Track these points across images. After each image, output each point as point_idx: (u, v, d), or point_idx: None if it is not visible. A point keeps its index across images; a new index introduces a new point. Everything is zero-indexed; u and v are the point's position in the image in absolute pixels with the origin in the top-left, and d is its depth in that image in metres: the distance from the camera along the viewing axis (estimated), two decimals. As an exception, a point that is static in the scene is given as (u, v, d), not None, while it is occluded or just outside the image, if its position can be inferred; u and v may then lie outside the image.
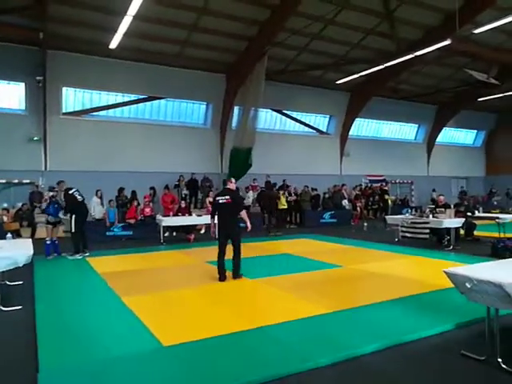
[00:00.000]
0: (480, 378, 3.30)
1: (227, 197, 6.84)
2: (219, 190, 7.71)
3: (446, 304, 5.03)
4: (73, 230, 9.14)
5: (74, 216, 9.11)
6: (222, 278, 6.72)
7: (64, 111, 15.24)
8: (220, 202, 6.89)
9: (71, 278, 7.33)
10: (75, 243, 9.21)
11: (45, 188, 14.26)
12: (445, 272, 3.69)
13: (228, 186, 7.08)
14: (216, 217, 6.99)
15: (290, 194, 16.27)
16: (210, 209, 13.62)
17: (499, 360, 3.36)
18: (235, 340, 4.07)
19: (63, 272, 7.85)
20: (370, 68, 15.52)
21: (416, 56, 14.26)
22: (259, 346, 3.93)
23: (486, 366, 3.42)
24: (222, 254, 6.89)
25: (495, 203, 21.54)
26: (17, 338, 4.34)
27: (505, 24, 12.38)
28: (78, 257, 9.10)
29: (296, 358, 3.63)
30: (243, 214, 6.93)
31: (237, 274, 6.82)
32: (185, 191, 15.81)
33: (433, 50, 13.80)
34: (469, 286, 3.41)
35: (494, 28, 12.63)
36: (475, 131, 26.96)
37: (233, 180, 7.20)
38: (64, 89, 15.18)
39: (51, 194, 9.56)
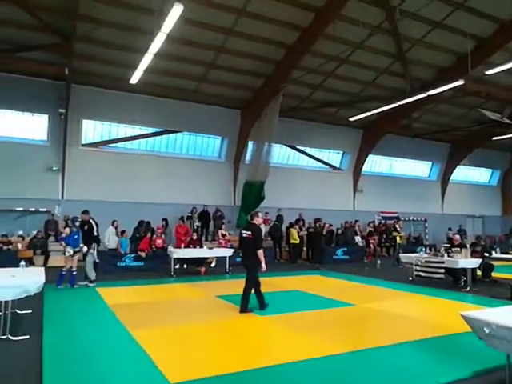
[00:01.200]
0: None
1: (249, 232, 7.00)
2: (246, 224, 7.86)
3: (463, 349, 4.83)
4: (97, 260, 9.43)
5: (96, 245, 9.36)
6: (242, 308, 6.81)
7: (83, 142, 15.70)
8: (243, 235, 7.11)
9: (80, 309, 7.28)
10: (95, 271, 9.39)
11: (60, 217, 14.52)
12: (462, 315, 3.57)
13: (253, 221, 7.17)
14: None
15: (301, 229, 16.18)
16: (222, 241, 13.88)
17: (521, 412, 3.18)
18: (244, 379, 3.95)
19: (73, 302, 7.81)
20: (383, 106, 15.75)
21: (429, 95, 14.44)
22: (268, 387, 3.81)
23: (507, 418, 3.24)
24: (245, 287, 7.01)
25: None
26: (22, 369, 4.29)
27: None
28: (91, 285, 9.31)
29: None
30: (260, 253, 6.87)
31: (262, 307, 6.90)
32: (197, 223, 15.85)
33: (446, 90, 13.99)
34: (487, 331, 3.29)
35: (506, 69, 12.80)
36: (490, 170, 26.74)
37: (260, 215, 7.39)
38: (84, 121, 15.71)
39: (77, 223, 9.64)
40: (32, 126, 15.10)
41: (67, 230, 9.39)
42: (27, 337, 5.31)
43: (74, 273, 9.08)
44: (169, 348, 4.99)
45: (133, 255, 12.75)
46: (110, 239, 13.17)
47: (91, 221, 9.48)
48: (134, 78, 12.79)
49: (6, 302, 5.30)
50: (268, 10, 12.48)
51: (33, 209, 14.37)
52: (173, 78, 15.22)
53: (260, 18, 12.68)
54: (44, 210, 14.55)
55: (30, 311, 6.67)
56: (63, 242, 9.21)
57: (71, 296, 8.35)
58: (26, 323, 5.97)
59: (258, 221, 7.19)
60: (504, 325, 3.16)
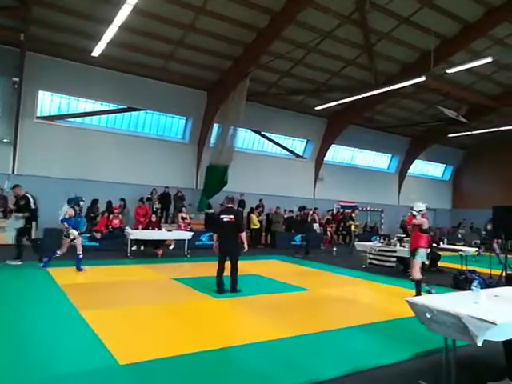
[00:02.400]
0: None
1: (231, 216, 7.03)
2: (222, 208, 7.95)
3: (406, 333, 5.10)
4: (33, 237, 8.86)
5: (33, 222, 8.86)
6: (220, 291, 6.95)
7: (39, 115, 14.89)
8: (224, 220, 7.04)
9: (29, 289, 6.99)
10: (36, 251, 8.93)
11: (10, 192, 13.76)
12: (406, 301, 3.75)
13: (231, 205, 7.31)
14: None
15: (260, 214, 16.34)
16: (182, 225, 13.72)
17: (454, 391, 3.41)
18: (195, 360, 3.97)
19: (21, 282, 7.50)
20: (349, 97, 16.01)
21: (392, 89, 14.83)
22: (219, 368, 3.86)
23: (441, 396, 3.46)
24: (220, 270, 7.09)
25: (460, 236, 22.24)
26: (-38, 348, 4.09)
27: (475, 66, 13.13)
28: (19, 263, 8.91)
29: (257, 381, 3.57)
30: (243, 235, 7.17)
31: (234, 289, 7.03)
32: (157, 205, 15.57)
33: (408, 85, 14.41)
34: (428, 316, 3.47)
35: (466, 69, 13.35)
36: (444, 165, 28.05)
37: (236, 200, 7.45)
38: (41, 92, 14.86)
39: (82, 202, 9.14)
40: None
41: (71, 211, 8.80)
42: (-31, 316, 5.06)
43: (81, 256, 8.70)
44: (119, 329, 4.91)
45: (88, 235, 12.37)
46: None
47: (27, 195, 9.05)
48: (97, 51, 12.18)
49: None
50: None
51: (-22, 183, 13.55)
52: (138, 54, 14.65)
53: (232, -2, 12.41)
54: (-9, 184, 13.75)
55: (-26, 289, 6.35)
56: (66, 224, 8.71)
57: (19, 276, 8.01)
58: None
59: (234, 205, 7.42)
60: (444, 310, 3.35)
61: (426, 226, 6.94)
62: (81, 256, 8.70)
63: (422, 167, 26.97)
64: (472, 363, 4.18)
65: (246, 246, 7.25)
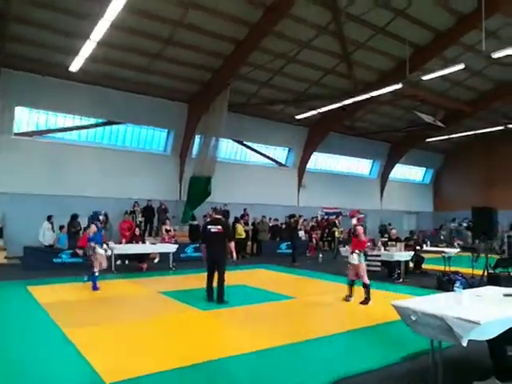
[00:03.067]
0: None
1: (219, 226, 7.13)
2: (209, 219, 8.11)
3: (393, 336, 5.14)
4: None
5: None
6: (210, 299, 7.12)
7: (16, 131, 14.61)
8: (212, 230, 7.12)
9: (7, 308, 6.80)
10: None
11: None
12: (392, 305, 3.80)
13: (218, 216, 7.48)
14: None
15: (246, 224, 16.33)
16: (166, 238, 13.58)
17: (442, 392, 3.45)
18: (183, 374, 3.92)
19: (1, 301, 7.29)
20: (328, 105, 16.24)
21: (371, 97, 15.13)
22: (208, 381, 3.81)
23: (429, 398, 3.49)
24: (209, 279, 7.19)
25: (442, 237, 22.61)
26: None
27: (449, 74, 13.55)
28: None
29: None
30: (232, 245, 7.31)
31: (221, 300, 7.01)
32: (140, 218, 15.38)
33: (386, 93, 14.73)
34: (414, 319, 3.52)
35: (440, 76, 13.74)
36: (424, 169, 28.62)
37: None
38: (18, 108, 14.61)
39: (101, 217, 8.96)
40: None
41: (93, 227, 8.58)
42: None
43: (97, 273, 8.43)
44: (105, 347, 4.81)
45: (70, 251, 12.12)
46: (45, 235, 12.49)
47: None
48: (75, 66, 12.09)
49: None
50: (218, 4, 12.32)
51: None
52: (117, 68, 14.57)
53: (210, 11, 12.46)
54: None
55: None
56: (92, 243, 8.45)
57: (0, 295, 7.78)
58: None
59: (220, 216, 7.64)
60: (428, 312, 3.40)
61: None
62: (97, 274, 8.42)
63: (404, 171, 27.45)
64: (458, 363, 4.23)
65: (234, 255, 7.37)
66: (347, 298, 7.39)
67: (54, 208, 13.42)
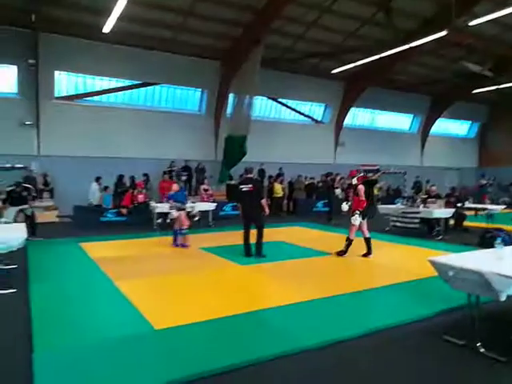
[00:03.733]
0: (459, 362, 3.43)
1: (250, 185, 7.50)
2: (242, 179, 8.48)
3: (432, 291, 5.18)
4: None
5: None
6: (248, 255, 7.52)
7: (57, 95, 15.10)
8: (244, 189, 7.53)
9: (64, 262, 7.41)
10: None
11: (38, 173, 14.24)
12: (429, 261, 3.81)
13: (250, 176, 7.81)
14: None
15: (281, 183, 16.41)
16: (204, 197, 13.97)
17: (478, 345, 3.50)
18: (226, 324, 4.19)
19: (56, 256, 7.92)
20: (366, 58, 15.48)
21: (412, 47, 14.24)
22: (248, 330, 4.06)
23: (465, 349, 3.56)
24: (246, 236, 7.58)
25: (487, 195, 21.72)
26: (12, 320, 4.43)
27: (500, 16, 12.41)
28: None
29: (284, 341, 3.75)
30: (263, 201, 7.64)
31: (259, 254, 7.41)
32: (184, 177, 15.71)
33: (429, 41, 13.80)
34: (451, 274, 3.53)
35: (490, 20, 12.64)
36: (469, 122, 27.10)
37: (254, 170, 8.09)
38: (57, 73, 15.01)
39: (183, 178, 9.37)
40: (1, 79, 14.36)
41: (175, 186, 8.84)
42: (14, 290, 5.42)
43: (184, 231, 8.67)
44: (153, 297, 5.18)
45: (115, 210, 12.77)
46: (94, 195, 13.18)
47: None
48: (107, 27, 12.12)
49: (-10, 257, 5.34)
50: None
51: (8, 165, 14.02)
52: (149, 27, 14.48)
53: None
54: (21, 166, 14.22)
55: (15, 266, 6.74)
56: (172, 200, 8.66)
57: (55, 251, 8.43)
58: (12, 277, 6.05)
59: (252, 175, 7.93)
60: (466, 268, 3.40)
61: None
62: (184, 231, 8.66)
63: (447, 126, 26.15)
64: (496, 319, 4.24)
65: (266, 210, 7.70)
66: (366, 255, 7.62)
67: (96, 169, 14.04)
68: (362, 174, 7.76)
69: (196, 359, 3.38)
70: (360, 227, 7.52)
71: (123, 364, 3.31)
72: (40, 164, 14.43)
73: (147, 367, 3.24)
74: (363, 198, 7.41)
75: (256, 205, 7.47)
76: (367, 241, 7.57)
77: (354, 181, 7.61)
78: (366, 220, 7.58)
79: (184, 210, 8.70)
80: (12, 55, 13.83)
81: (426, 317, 4.36)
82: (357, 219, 7.39)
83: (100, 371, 3.18)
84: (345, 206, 7.74)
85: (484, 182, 20.93)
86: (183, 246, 8.76)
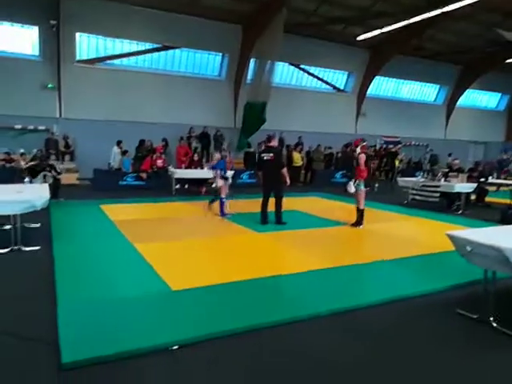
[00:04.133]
0: (471, 335, 3.45)
1: (271, 154, 7.51)
2: (263, 147, 8.41)
3: (447, 265, 5.15)
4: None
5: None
6: (264, 222, 7.56)
7: (78, 58, 15.07)
8: (265, 158, 7.57)
9: (86, 223, 7.63)
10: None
11: (59, 135, 14.47)
12: (447, 234, 3.76)
13: (271, 144, 7.74)
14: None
15: (300, 152, 16.25)
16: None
17: (491, 319, 3.50)
18: (241, 287, 4.28)
19: (78, 217, 8.17)
20: (394, 23, 14.79)
21: (444, 12, 13.50)
22: (263, 294, 4.15)
23: (478, 324, 3.57)
24: (264, 204, 7.65)
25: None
26: (37, 274, 4.64)
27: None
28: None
29: (297, 306, 3.83)
30: (284, 171, 7.66)
31: (279, 222, 7.52)
32: (195, 144, 15.77)
33: (462, 6, 13.03)
34: (469, 249, 3.49)
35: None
36: (500, 94, 25.95)
37: (276, 138, 7.89)
38: (77, 34, 14.91)
39: (224, 146, 9.24)
40: (22, 39, 14.36)
41: (217, 155, 8.75)
42: (38, 247, 5.65)
43: (224, 200, 8.55)
44: (170, 260, 5.32)
45: (134, 174, 12.96)
46: (115, 159, 13.35)
47: None
48: (128, -14, 11.87)
49: (15, 215, 5.53)
50: None
51: (32, 127, 14.28)
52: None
53: None
54: (43, 128, 14.46)
55: (39, 225, 6.99)
56: (214, 170, 8.56)
57: (76, 212, 8.68)
58: (35, 236, 6.30)
59: (274, 143, 7.81)
60: (484, 243, 3.35)
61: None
62: (224, 200, 8.53)
63: (475, 97, 25.13)
64: (511, 295, 4.21)
65: (288, 180, 7.71)
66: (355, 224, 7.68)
67: (116, 133, 14.14)
68: (364, 143, 7.67)
69: (210, 320, 3.48)
70: (359, 197, 7.52)
71: (141, 321, 3.44)
72: (61, 127, 14.63)
73: (163, 325, 3.37)
74: (363, 168, 7.39)
75: (276, 174, 7.53)
76: (360, 211, 7.62)
77: (358, 149, 7.57)
78: (365, 190, 7.58)
79: (227, 179, 8.60)
80: (33, 16, 13.78)
81: (440, 290, 4.36)
82: (351, 186, 7.40)
83: (118, 325, 3.33)
84: (351, 187, 7.46)
85: (505, 157, 20.20)
86: (225, 215, 8.50)
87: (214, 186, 8.57)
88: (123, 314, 3.59)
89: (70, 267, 4.82)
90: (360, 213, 7.64)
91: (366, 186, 7.55)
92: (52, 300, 3.78)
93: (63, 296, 3.87)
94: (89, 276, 4.55)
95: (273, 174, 7.54)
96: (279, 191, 7.60)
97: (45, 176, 9.48)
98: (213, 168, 8.79)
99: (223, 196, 8.51)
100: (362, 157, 7.41)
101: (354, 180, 7.43)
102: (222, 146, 14.97)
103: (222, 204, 8.53)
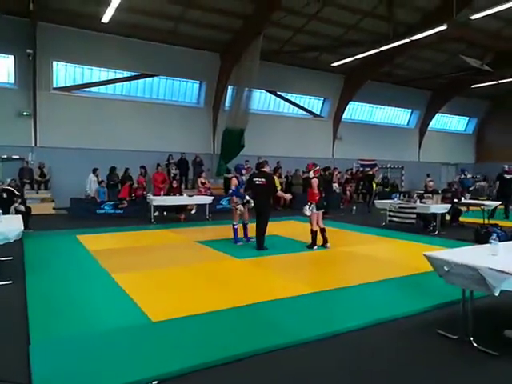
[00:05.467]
0: (452, 355, 3.47)
1: (263, 179, 7.58)
2: (254, 172, 8.54)
3: (426, 286, 5.22)
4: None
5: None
6: (259, 248, 7.64)
7: (55, 86, 15.00)
8: (256, 182, 7.62)
9: (61, 254, 7.39)
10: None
11: (34, 164, 14.19)
12: (425, 255, 3.83)
13: (264, 169, 7.84)
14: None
15: (280, 177, 16.40)
16: (202, 190, 13.98)
17: (471, 339, 3.54)
18: (223, 316, 4.21)
19: (52, 248, 7.91)
20: (366, 51, 15.43)
21: (412, 40, 14.19)
22: (248, 322, 4.09)
23: (458, 344, 3.60)
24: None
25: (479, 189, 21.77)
26: (8, 311, 4.44)
27: (502, 10, 12.35)
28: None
29: (284, 332, 3.78)
30: (280, 194, 8.53)
31: (260, 247, 7.55)
32: (174, 171, 15.73)
33: (429, 35, 13.74)
34: (446, 269, 3.56)
35: (491, 14, 12.60)
36: (467, 118, 27.12)
37: (268, 164, 8.07)
38: (54, 63, 14.89)
39: (244, 171, 8.89)
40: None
41: (235, 180, 8.41)
42: (10, 282, 5.42)
43: (236, 226, 8.31)
44: (150, 290, 5.19)
45: (112, 203, 12.76)
46: (91, 187, 13.15)
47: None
48: (106, 17, 12.05)
49: (-14, 248, 5.34)
50: None
51: (5, 156, 13.97)
52: (148, 18, 14.35)
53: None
54: (17, 157, 14.17)
55: (11, 258, 6.74)
56: (234, 196, 8.29)
57: (51, 243, 8.43)
58: (7, 269, 6.06)
59: (267, 169, 7.98)
60: (461, 263, 3.42)
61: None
62: (236, 226, 8.27)
63: (445, 121, 26.17)
64: (489, 313, 4.29)
65: (286, 196, 8.68)
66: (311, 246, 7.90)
67: (93, 161, 13.99)
68: (317, 168, 7.99)
69: (193, 352, 3.39)
70: (312, 219, 7.73)
71: (121, 355, 3.32)
72: (37, 155, 14.37)
73: (145, 359, 3.26)
74: (316, 191, 7.66)
75: (266, 198, 7.70)
76: (314, 233, 7.85)
77: (311, 174, 7.87)
78: (320, 212, 7.84)
79: (247, 203, 8.22)
80: (10, 44, 13.71)
81: (419, 311, 4.40)
82: (307, 210, 7.63)
83: (97, 362, 3.19)
84: (307, 210, 7.66)
85: (468, 176, 20.82)
86: (250, 239, 8.36)
87: (238, 212, 8.24)
88: (100, 349, 3.45)
89: (43, 302, 4.64)
90: (313, 234, 7.87)
91: (318, 209, 7.78)
92: (24, 338, 3.61)
93: (36, 333, 3.70)
94: (64, 310, 4.38)
95: (263, 198, 7.66)
96: (266, 216, 7.67)
97: (15, 208, 9.22)
98: (231, 194, 8.64)
99: (235, 222, 8.27)
100: (315, 181, 7.72)
101: (308, 203, 7.68)
102: (202, 172, 15.02)
103: (235, 231, 8.28)
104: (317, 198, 7.69)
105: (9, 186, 10.56)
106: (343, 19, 15.66)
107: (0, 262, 6.40)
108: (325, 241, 8.00)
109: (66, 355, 3.32)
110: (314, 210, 7.68)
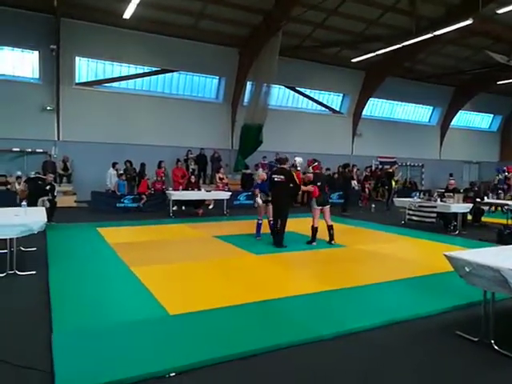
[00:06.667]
0: (472, 358, 3.41)
1: (282, 176, 7.58)
2: (275, 169, 8.47)
3: (445, 286, 5.12)
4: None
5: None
6: (278, 246, 7.60)
7: (77, 81, 15.28)
8: (275, 179, 7.64)
9: (82, 246, 7.56)
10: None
11: (57, 158, 14.51)
12: (445, 255, 3.76)
13: (284, 166, 7.88)
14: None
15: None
16: (220, 185, 14.07)
17: (492, 341, 3.47)
18: (238, 311, 4.23)
19: (74, 240, 8.10)
20: (388, 47, 15.15)
21: (435, 36, 13.87)
22: (263, 318, 4.10)
23: (479, 346, 3.53)
24: (275, 225, 7.81)
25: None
26: (32, 300, 4.57)
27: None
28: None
29: (299, 329, 3.77)
30: (304, 188, 8.04)
31: (279, 245, 7.55)
32: (192, 166, 15.85)
33: (453, 30, 13.40)
34: (467, 270, 3.48)
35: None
36: (492, 115, 26.38)
37: (289, 161, 8.17)
38: (77, 58, 15.16)
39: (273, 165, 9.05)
40: (22, 63, 14.58)
41: (263, 175, 8.43)
42: (34, 272, 5.58)
43: (261, 221, 8.31)
44: (167, 284, 5.26)
45: (131, 196, 12.95)
46: (111, 181, 13.36)
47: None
48: (128, 13, 12.17)
49: (12, 239, 5.49)
50: None
51: (30, 149, 14.33)
52: (169, 13, 14.47)
53: None
54: (41, 150, 14.51)
55: (35, 249, 6.93)
56: (258, 189, 8.28)
57: (73, 235, 8.63)
58: (31, 260, 6.24)
59: (287, 165, 7.99)
60: (483, 264, 3.35)
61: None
62: (260, 222, 8.32)
63: (468, 118, 25.52)
64: (511, 315, 4.18)
65: (311, 188, 7.88)
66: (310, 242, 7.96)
67: (113, 156, 14.21)
68: (316, 163, 8.13)
69: (209, 345, 3.43)
70: (314, 215, 7.81)
71: (138, 347, 3.38)
72: (59, 149, 14.69)
73: (162, 351, 3.31)
74: (299, 183, 7.72)
75: (285, 195, 7.65)
76: (313, 229, 7.89)
77: (310, 169, 7.97)
78: (325, 208, 7.90)
79: (268, 202, 8.12)
80: (34, 40, 14.02)
81: (439, 312, 4.32)
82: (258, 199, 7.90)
83: (114, 352, 3.26)
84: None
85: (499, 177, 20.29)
86: (258, 236, 8.38)
87: (255, 205, 8.44)
88: (119, 340, 3.53)
89: (65, 293, 4.75)
90: (313, 230, 7.93)
91: (319, 205, 7.79)
92: (47, 327, 3.72)
93: (58, 323, 3.81)
94: (85, 301, 4.49)
95: (282, 195, 7.63)
96: (285, 213, 7.65)
97: (43, 201, 9.45)
98: (255, 187, 8.76)
99: (260, 217, 8.36)
100: (309, 175, 7.87)
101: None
102: (220, 167, 15.09)
103: (258, 226, 8.36)
104: (316, 193, 7.75)
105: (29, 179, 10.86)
106: (364, 14, 15.41)
107: (24, 252, 6.60)
108: (330, 238, 8.00)
109: (86, 345, 3.40)
110: (315, 206, 7.76)
